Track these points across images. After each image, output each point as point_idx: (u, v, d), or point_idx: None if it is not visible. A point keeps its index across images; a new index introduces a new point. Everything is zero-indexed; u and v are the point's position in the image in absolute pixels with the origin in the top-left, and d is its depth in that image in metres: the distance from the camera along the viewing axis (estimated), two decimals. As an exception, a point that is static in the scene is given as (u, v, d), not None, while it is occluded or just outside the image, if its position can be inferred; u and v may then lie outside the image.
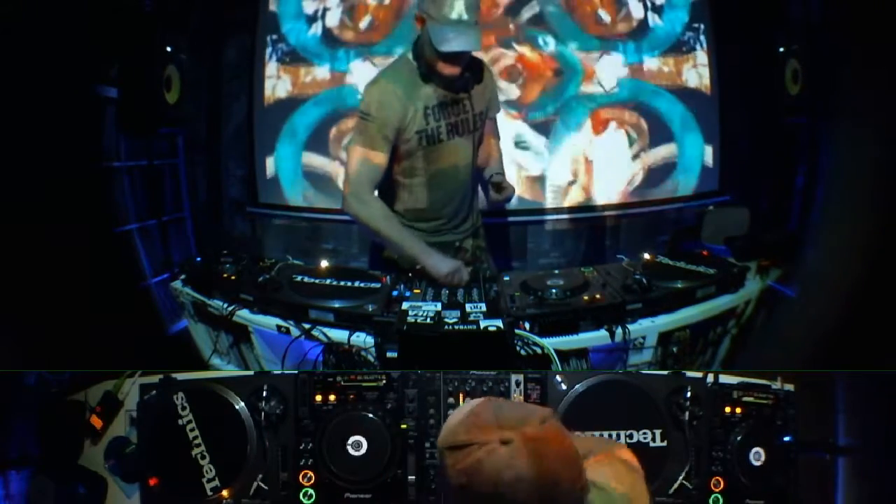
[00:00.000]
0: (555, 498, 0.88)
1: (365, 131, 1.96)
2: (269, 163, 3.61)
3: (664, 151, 3.55)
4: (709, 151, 3.55)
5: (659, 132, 3.53)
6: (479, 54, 2.09)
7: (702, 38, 3.49)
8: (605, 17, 3.45)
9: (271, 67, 3.53)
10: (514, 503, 0.87)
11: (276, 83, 3.54)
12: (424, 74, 1.98)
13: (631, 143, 3.53)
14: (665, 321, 1.86)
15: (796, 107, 2.91)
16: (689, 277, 2.00)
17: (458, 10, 1.78)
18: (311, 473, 1.60)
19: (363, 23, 3.47)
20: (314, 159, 3.57)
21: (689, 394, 1.63)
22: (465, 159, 2.14)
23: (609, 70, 3.47)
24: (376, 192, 2.05)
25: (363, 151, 1.96)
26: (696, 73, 3.51)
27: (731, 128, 3.53)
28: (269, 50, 3.52)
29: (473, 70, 2.06)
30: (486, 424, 0.92)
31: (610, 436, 1.60)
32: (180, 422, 1.61)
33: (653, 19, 3.46)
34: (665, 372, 1.73)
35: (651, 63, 3.49)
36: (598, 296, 1.87)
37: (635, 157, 3.54)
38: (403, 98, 1.97)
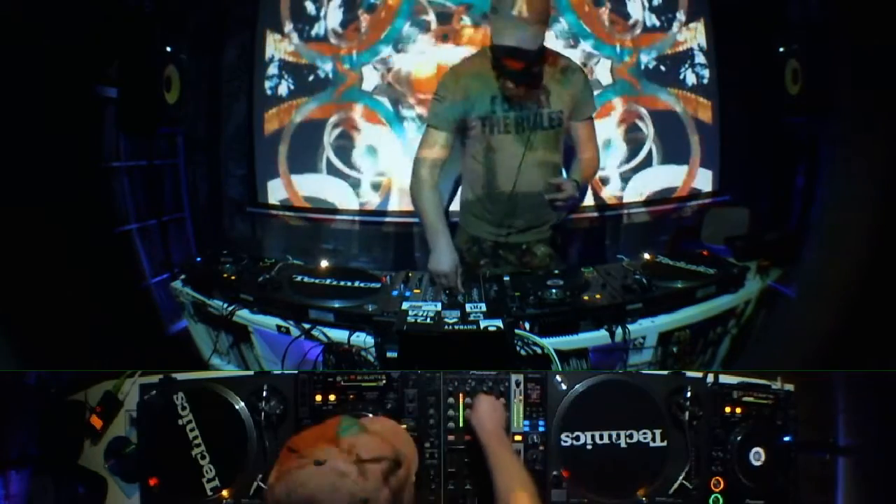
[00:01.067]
0: None
1: (433, 111, 2.09)
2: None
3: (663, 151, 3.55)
4: (708, 175, 3.57)
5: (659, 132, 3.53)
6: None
7: (701, 37, 3.49)
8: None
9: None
10: None
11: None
12: (496, 65, 2.01)
13: (629, 144, 3.54)
14: (665, 321, 1.86)
15: (796, 107, 2.91)
16: (689, 277, 2.00)
17: (518, 6, 1.80)
18: (311, 473, 1.60)
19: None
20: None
21: (689, 394, 1.63)
22: (531, 156, 2.12)
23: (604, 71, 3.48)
24: (438, 171, 2.09)
25: (430, 130, 2.09)
26: (695, 73, 3.51)
27: (731, 128, 3.53)
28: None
29: (547, 68, 2.06)
30: (321, 441, 0.95)
31: (610, 436, 1.60)
32: (180, 422, 1.61)
33: (651, 19, 3.46)
34: (665, 372, 1.73)
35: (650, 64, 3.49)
36: (598, 296, 1.87)
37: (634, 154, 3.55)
38: (473, 83, 2.05)
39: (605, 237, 3.58)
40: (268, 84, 3.54)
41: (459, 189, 2.38)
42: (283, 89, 3.53)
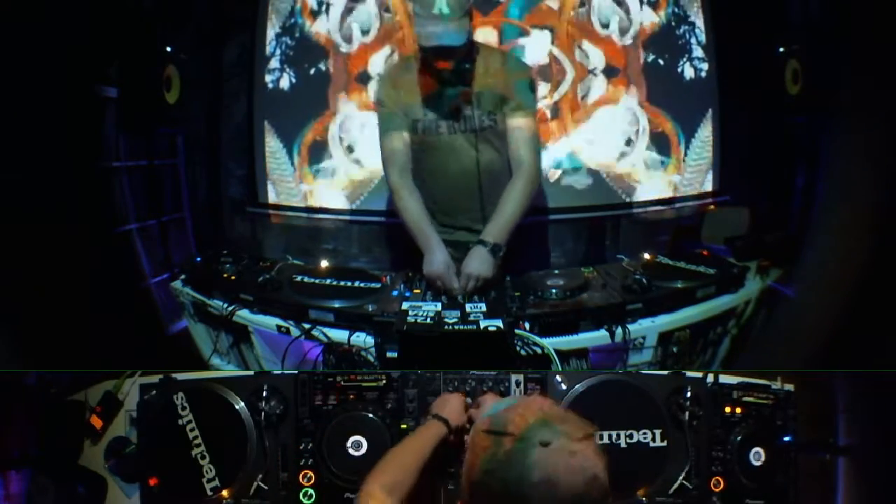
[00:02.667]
0: None
1: (381, 119, 2.07)
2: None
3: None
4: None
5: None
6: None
7: (701, 37, 3.49)
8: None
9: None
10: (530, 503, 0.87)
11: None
12: (423, 67, 2.00)
13: (628, 143, 3.53)
14: (665, 321, 1.86)
15: (796, 107, 2.91)
16: (689, 277, 2.00)
17: (438, 4, 1.78)
18: (311, 473, 1.60)
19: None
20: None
21: (689, 394, 1.63)
22: (468, 156, 2.10)
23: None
24: (408, 173, 2.07)
25: (385, 137, 2.06)
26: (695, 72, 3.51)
27: (730, 128, 3.53)
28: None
29: (474, 64, 2.01)
30: (532, 421, 0.93)
31: (610, 436, 1.60)
32: (180, 422, 1.61)
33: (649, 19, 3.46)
34: (665, 372, 1.73)
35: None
36: (598, 296, 1.87)
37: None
38: (405, 86, 2.04)
39: (605, 237, 3.58)
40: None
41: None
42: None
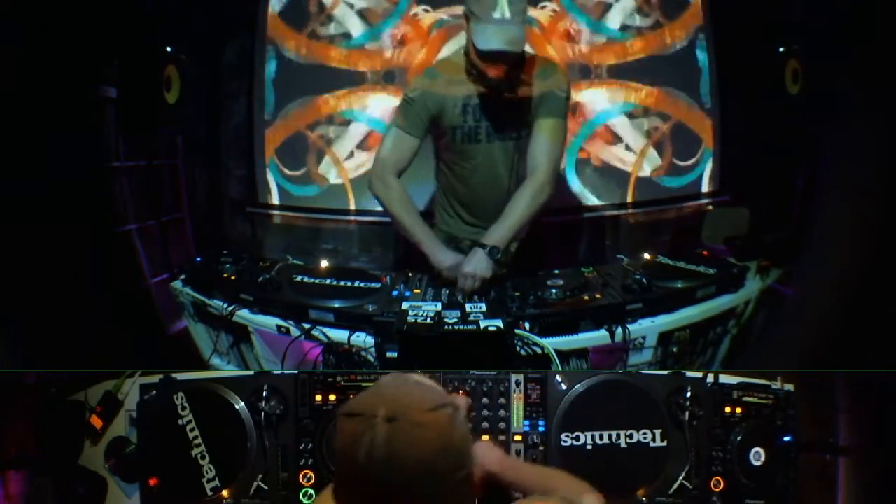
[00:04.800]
0: (424, 484, 0.89)
1: (403, 114, 2.02)
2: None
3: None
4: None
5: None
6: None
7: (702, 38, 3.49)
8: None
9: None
10: (384, 482, 0.88)
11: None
12: (469, 71, 1.97)
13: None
14: (665, 321, 1.86)
15: (796, 107, 2.91)
16: (689, 277, 2.00)
17: (500, 8, 1.74)
18: (311, 473, 1.60)
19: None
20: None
21: (689, 394, 1.63)
22: (504, 163, 2.09)
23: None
24: (401, 176, 2.03)
25: (397, 133, 2.02)
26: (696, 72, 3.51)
27: (730, 128, 3.53)
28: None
29: (521, 71, 1.98)
30: (384, 399, 0.93)
31: (610, 436, 1.60)
32: (180, 422, 1.61)
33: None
34: (665, 372, 1.73)
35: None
36: (598, 296, 1.87)
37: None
38: (445, 90, 1.99)
39: (605, 237, 3.58)
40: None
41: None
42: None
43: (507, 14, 1.75)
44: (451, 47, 3.32)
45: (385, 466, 0.87)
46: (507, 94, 1.98)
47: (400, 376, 1.02)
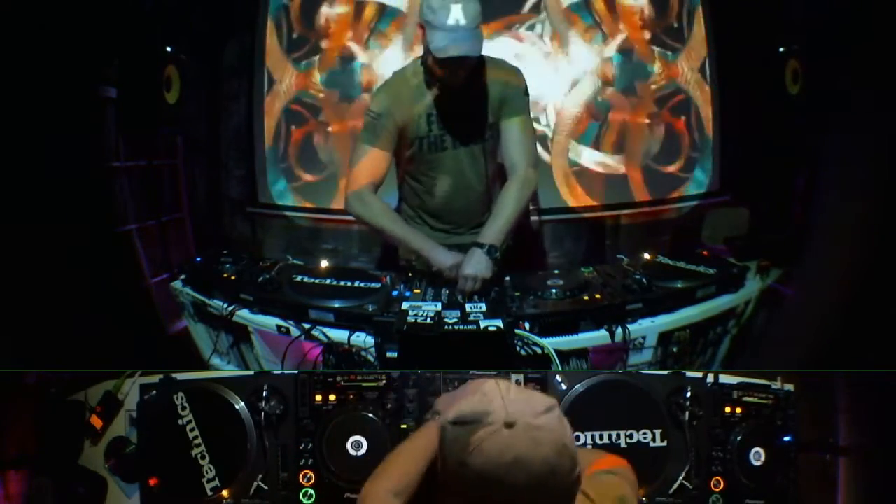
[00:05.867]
0: (548, 485, 0.90)
1: (370, 129, 2.00)
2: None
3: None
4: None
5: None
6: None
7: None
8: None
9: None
10: (509, 486, 0.88)
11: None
12: (429, 81, 1.97)
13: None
14: (665, 321, 1.86)
15: (796, 107, 2.91)
16: (689, 277, 2.00)
17: (454, 15, 1.75)
18: (311, 473, 1.60)
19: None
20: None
21: (689, 394, 1.63)
22: (473, 168, 2.09)
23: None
24: (378, 191, 2.03)
25: (366, 149, 2.00)
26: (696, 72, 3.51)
27: (730, 128, 3.53)
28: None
29: (481, 75, 1.99)
30: (493, 406, 0.94)
31: (610, 436, 1.60)
32: (180, 422, 1.61)
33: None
34: (665, 372, 1.73)
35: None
36: (598, 296, 1.87)
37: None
38: (407, 102, 1.99)
39: (605, 237, 3.58)
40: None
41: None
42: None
43: (462, 20, 1.75)
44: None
45: (511, 470, 0.88)
46: (469, 99, 1.99)
47: (498, 381, 1.02)
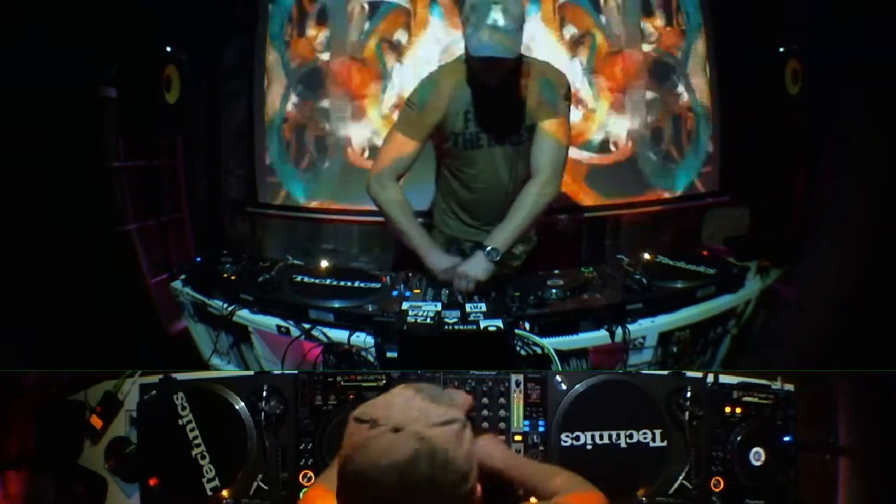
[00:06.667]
0: (425, 495, 0.89)
1: (405, 119, 2.02)
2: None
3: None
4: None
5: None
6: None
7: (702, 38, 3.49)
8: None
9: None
10: (383, 488, 0.88)
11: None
12: (469, 78, 1.97)
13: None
14: (665, 321, 1.86)
15: (796, 107, 2.91)
16: (689, 277, 2.00)
17: (494, 15, 1.74)
18: (311, 473, 1.60)
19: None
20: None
21: (689, 394, 1.63)
22: (506, 168, 2.08)
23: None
24: (401, 181, 2.04)
25: (398, 137, 2.02)
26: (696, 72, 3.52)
27: (730, 128, 3.53)
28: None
29: (519, 76, 1.97)
30: (391, 409, 0.95)
31: (610, 436, 1.60)
32: (180, 422, 1.61)
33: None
34: (665, 372, 1.73)
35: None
36: (598, 296, 1.87)
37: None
38: (447, 97, 1.99)
39: (605, 237, 3.58)
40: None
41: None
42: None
43: (502, 21, 1.74)
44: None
45: (386, 473, 0.88)
46: (507, 99, 1.98)
47: (414, 387, 1.02)
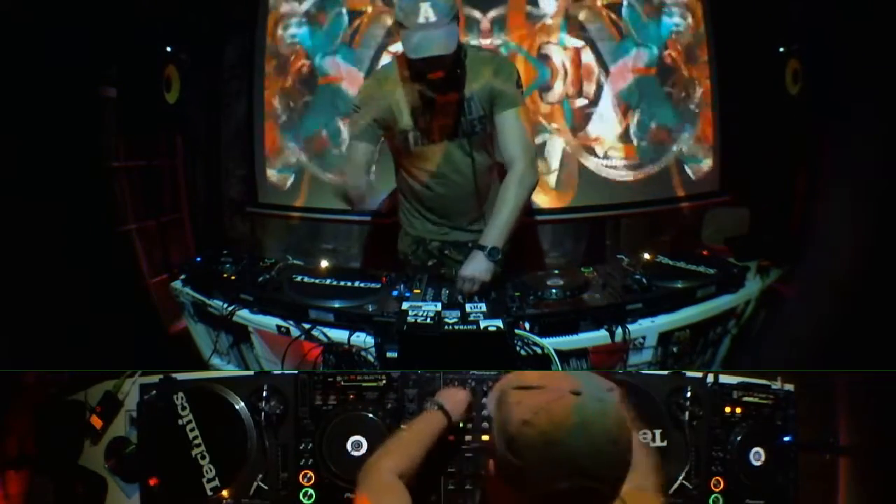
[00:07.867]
0: (609, 454, 0.90)
1: (354, 123, 2.03)
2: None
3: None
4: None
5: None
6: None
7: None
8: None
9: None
10: (570, 449, 0.88)
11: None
12: (411, 75, 1.96)
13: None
14: (665, 321, 1.86)
15: (796, 107, 2.91)
16: (689, 277, 2.00)
17: (423, 13, 1.72)
18: (311, 473, 1.60)
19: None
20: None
21: (689, 394, 1.63)
22: (464, 163, 2.09)
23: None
24: (372, 176, 2.07)
25: (353, 142, 2.03)
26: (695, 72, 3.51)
27: (730, 127, 3.53)
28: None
29: (463, 68, 1.95)
30: (561, 378, 0.97)
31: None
32: (180, 422, 1.61)
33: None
34: (665, 372, 1.73)
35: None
36: (597, 296, 1.87)
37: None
38: (391, 95, 1.99)
39: (605, 237, 3.58)
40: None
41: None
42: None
43: (432, 17, 1.73)
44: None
45: (574, 432, 0.89)
46: (453, 92, 1.97)
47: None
